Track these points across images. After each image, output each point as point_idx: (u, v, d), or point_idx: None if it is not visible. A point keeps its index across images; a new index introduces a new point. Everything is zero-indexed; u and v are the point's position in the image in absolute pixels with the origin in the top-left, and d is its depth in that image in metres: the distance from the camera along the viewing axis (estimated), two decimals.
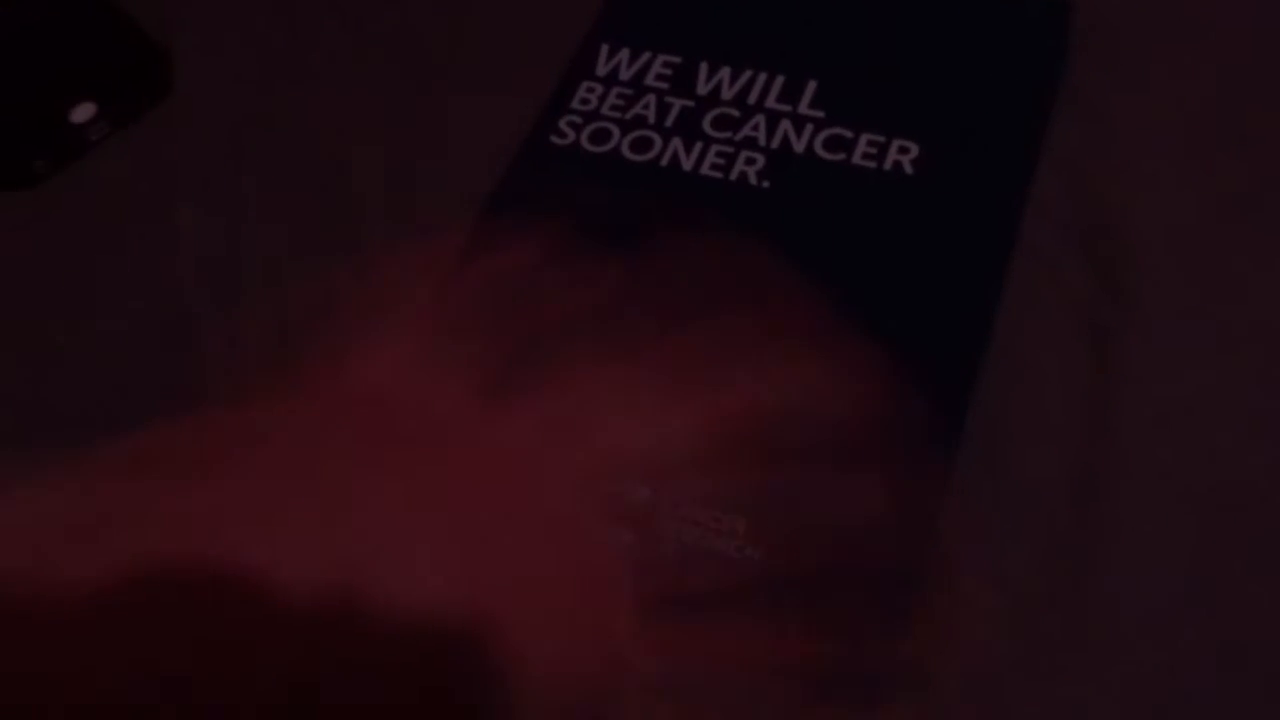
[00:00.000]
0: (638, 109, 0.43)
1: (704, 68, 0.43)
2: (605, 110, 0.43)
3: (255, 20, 0.49)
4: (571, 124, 0.43)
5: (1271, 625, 0.32)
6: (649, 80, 0.43)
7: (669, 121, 0.42)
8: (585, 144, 0.42)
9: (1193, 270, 0.38)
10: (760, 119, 0.42)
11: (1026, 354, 0.37)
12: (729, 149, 0.41)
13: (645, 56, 0.44)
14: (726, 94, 0.42)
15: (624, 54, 0.44)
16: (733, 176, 0.40)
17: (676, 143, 0.42)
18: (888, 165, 0.40)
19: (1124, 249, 0.39)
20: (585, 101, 0.43)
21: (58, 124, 0.44)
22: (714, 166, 0.41)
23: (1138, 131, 0.41)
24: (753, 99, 0.42)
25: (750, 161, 0.41)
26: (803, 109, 0.42)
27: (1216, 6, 0.44)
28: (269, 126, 0.46)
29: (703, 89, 0.43)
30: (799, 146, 0.41)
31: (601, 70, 0.44)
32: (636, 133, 0.42)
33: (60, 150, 0.44)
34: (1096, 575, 0.33)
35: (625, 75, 0.44)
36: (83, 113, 0.44)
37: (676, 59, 0.44)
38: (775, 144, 0.41)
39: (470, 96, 0.46)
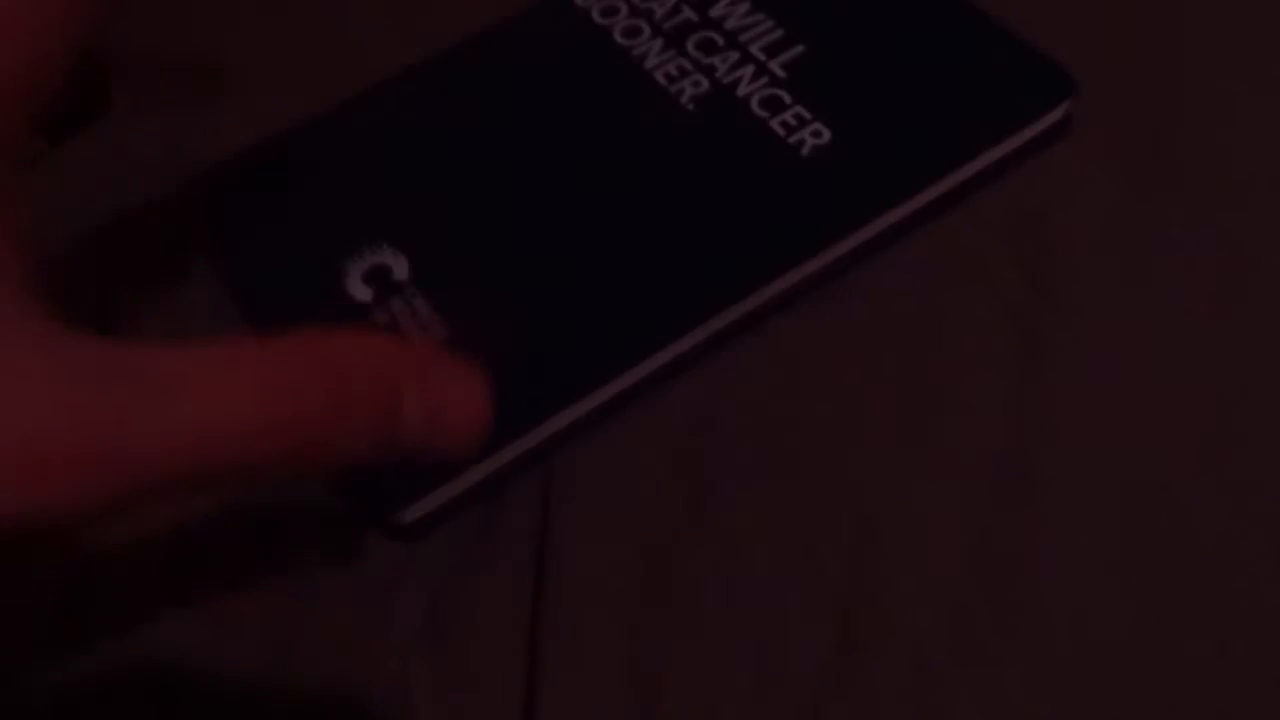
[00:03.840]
0: None
1: None
2: None
3: (192, 37, 0.49)
4: None
5: (1195, 614, 0.32)
6: None
7: (669, 24, 0.45)
8: (596, 16, 0.46)
9: (1119, 270, 0.38)
10: (735, 55, 0.43)
11: (956, 351, 0.37)
12: (690, 67, 0.43)
13: None
14: (728, 22, 0.44)
15: None
16: (674, 90, 0.43)
17: (659, 42, 0.44)
18: (793, 139, 0.41)
19: (1052, 250, 0.39)
20: None
21: None
22: (668, 76, 0.43)
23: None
24: (744, 38, 0.44)
25: (697, 84, 0.43)
26: (774, 65, 0.43)
27: None
28: (207, 143, 0.45)
29: (714, 10, 0.45)
30: (742, 90, 0.42)
31: None
32: (635, 20, 0.45)
33: None
34: (1024, 566, 0.33)
35: None
36: None
37: None
38: (728, 80, 0.43)
39: None
